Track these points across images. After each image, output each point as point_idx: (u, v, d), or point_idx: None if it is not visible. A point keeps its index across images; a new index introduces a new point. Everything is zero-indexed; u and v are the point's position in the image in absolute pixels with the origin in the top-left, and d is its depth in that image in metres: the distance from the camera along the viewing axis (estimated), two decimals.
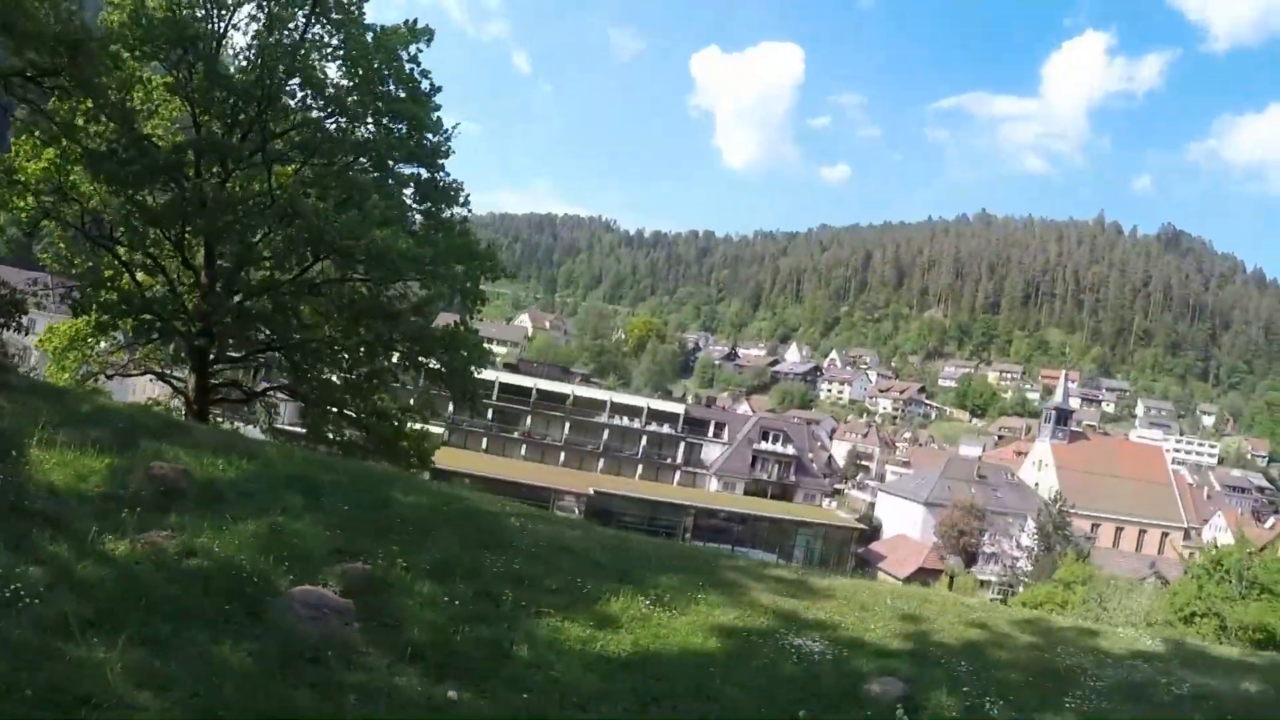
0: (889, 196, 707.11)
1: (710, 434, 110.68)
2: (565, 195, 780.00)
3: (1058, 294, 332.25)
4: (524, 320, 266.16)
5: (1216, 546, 47.70)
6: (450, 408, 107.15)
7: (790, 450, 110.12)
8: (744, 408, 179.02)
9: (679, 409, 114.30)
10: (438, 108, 30.83)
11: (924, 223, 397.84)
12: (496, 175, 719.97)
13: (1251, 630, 35.33)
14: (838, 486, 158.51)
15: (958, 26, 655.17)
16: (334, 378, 32.92)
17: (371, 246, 27.27)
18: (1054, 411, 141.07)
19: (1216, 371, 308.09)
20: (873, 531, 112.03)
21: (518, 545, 13.75)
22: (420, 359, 32.55)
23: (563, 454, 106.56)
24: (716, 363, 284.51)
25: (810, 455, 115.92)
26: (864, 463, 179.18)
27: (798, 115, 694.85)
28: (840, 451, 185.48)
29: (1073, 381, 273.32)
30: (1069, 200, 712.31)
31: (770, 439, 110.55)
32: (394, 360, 33.21)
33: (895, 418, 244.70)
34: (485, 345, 35.68)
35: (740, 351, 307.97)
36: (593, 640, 10.78)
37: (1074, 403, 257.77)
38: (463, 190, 31.88)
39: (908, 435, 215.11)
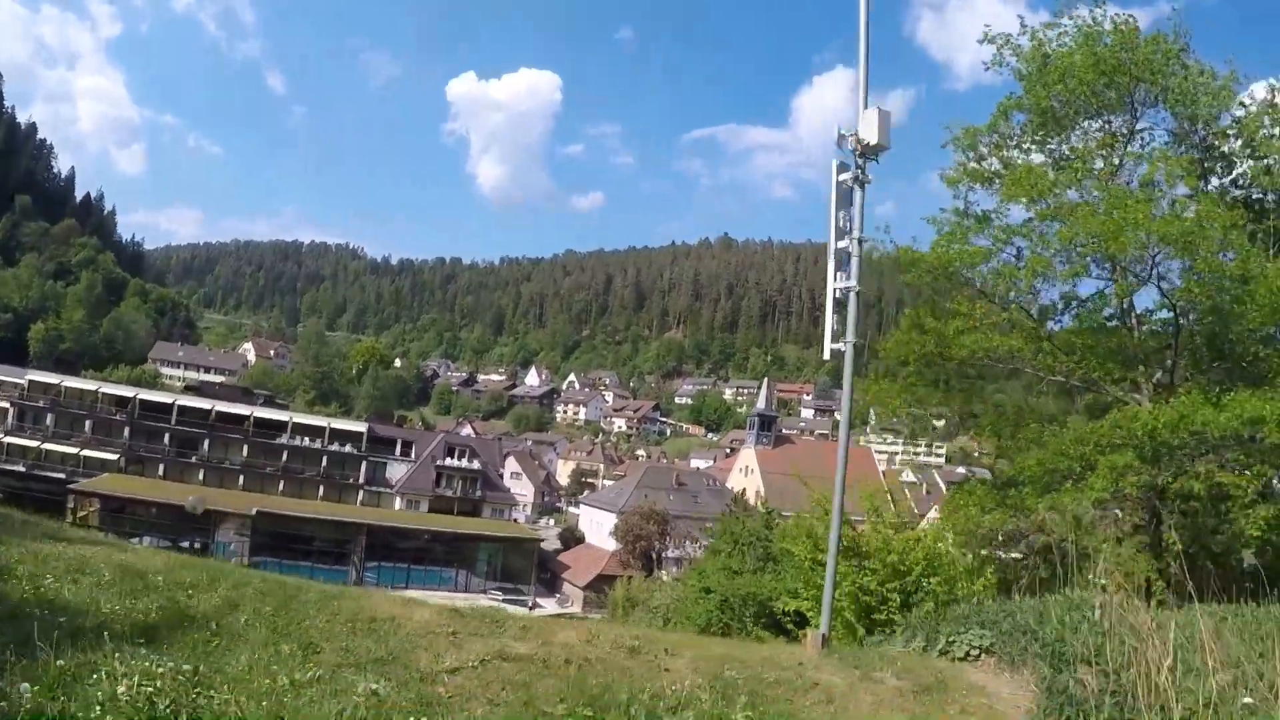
0: (642, 224, 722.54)
1: (397, 452, 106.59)
2: (314, 221, 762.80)
3: (794, 311, 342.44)
4: (247, 348, 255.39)
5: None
6: (126, 434, 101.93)
7: (476, 466, 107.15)
8: (467, 430, 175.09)
9: (362, 428, 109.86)
10: None
11: (667, 247, 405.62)
12: (244, 200, 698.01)
13: (748, 601, 33.88)
14: (557, 505, 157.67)
15: (713, 60, 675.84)
16: None
17: None
18: (758, 418, 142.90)
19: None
20: (577, 542, 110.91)
21: None
22: None
23: (242, 477, 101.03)
24: (455, 389, 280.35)
25: (500, 471, 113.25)
26: (589, 480, 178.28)
27: (553, 143, 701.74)
28: (567, 470, 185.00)
29: (807, 394, 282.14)
30: (815, 226, 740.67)
31: (456, 455, 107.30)
32: None
33: (630, 436, 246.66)
34: None
35: (480, 377, 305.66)
36: None
37: (808, 414, 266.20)
38: None
39: (640, 452, 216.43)
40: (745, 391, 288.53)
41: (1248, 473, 22.37)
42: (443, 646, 9.08)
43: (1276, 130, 27.32)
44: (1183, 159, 25.11)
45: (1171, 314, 25.74)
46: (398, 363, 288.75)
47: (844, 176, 14.05)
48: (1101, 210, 23.00)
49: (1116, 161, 26.23)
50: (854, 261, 13.79)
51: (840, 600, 22.85)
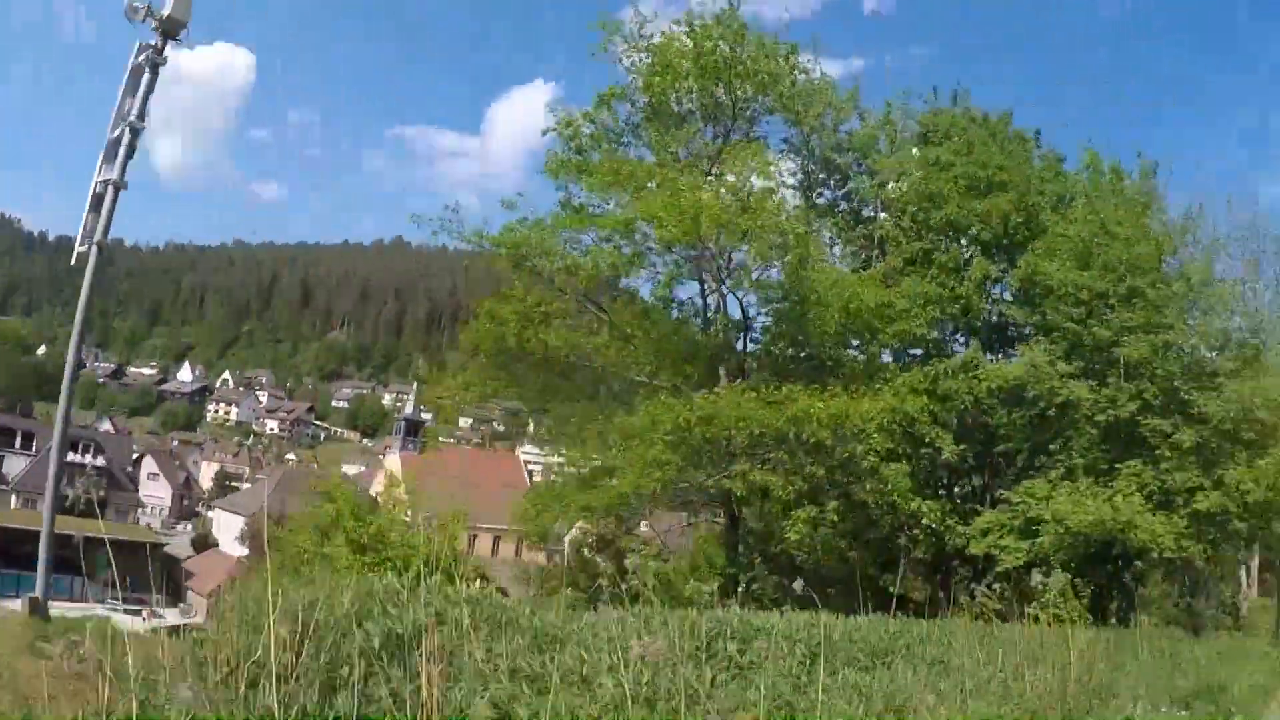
0: (326, 219, 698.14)
1: (18, 445, 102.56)
2: None
3: (461, 319, 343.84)
4: None
5: None
6: None
7: (101, 462, 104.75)
8: (106, 426, 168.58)
9: None
10: None
11: (339, 245, 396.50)
12: None
13: None
14: (197, 509, 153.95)
15: (413, 60, 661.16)
16: None
17: None
18: (404, 423, 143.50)
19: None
20: (211, 548, 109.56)
21: None
22: None
23: None
24: (101, 381, 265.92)
25: (132, 470, 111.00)
26: (233, 483, 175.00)
27: (239, 125, 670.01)
28: (211, 472, 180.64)
29: (471, 404, 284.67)
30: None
31: (80, 450, 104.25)
32: None
33: (283, 439, 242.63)
34: None
35: (130, 370, 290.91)
36: None
37: (465, 422, 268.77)
38: None
39: (290, 456, 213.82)
40: (405, 396, 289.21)
41: (796, 476, 22.89)
42: None
43: (887, 146, 30.03)
44: (765, 162, 25.51)
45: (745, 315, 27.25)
46: (42, 349, 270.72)
47: (141, 58, 13.14)
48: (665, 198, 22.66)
49: (718, 157, 26.54)
50: (122, 151, 12.81)
51: None
